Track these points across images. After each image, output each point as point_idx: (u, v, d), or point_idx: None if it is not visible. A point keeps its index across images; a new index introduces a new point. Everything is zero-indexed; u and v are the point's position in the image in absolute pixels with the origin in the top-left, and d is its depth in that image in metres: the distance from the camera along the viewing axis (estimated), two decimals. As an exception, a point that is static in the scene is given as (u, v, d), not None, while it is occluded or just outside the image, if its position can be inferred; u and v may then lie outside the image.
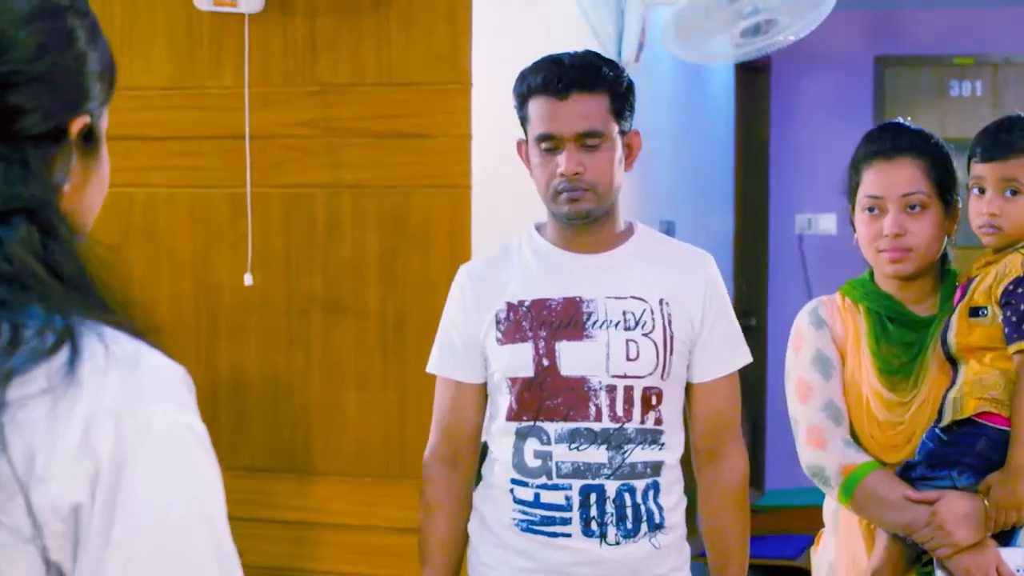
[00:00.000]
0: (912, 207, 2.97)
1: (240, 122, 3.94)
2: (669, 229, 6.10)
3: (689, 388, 3.09)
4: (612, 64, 3.04)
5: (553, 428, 2.97)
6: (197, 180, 4.03)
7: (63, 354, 1.23)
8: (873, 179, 3.01)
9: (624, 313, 2.99)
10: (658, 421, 3.00)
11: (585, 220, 2.99)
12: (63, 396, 1.22)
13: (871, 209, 3.01)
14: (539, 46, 4.26)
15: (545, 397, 2.98)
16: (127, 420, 1.23)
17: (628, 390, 2.97)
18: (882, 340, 3.03)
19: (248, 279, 3.93)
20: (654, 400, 2.99)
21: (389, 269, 3.89)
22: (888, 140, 3.04)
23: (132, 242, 4.05)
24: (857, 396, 3.03)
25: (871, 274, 3.11)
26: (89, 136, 1.38)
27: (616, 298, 3.00)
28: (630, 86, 3.04)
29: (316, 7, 3.92)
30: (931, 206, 2.98)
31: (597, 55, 3.04)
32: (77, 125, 1.36)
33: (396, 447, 3.91)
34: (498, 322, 3.03)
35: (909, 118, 3.22)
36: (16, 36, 1.30)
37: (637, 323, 2.99)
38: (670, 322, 3.01)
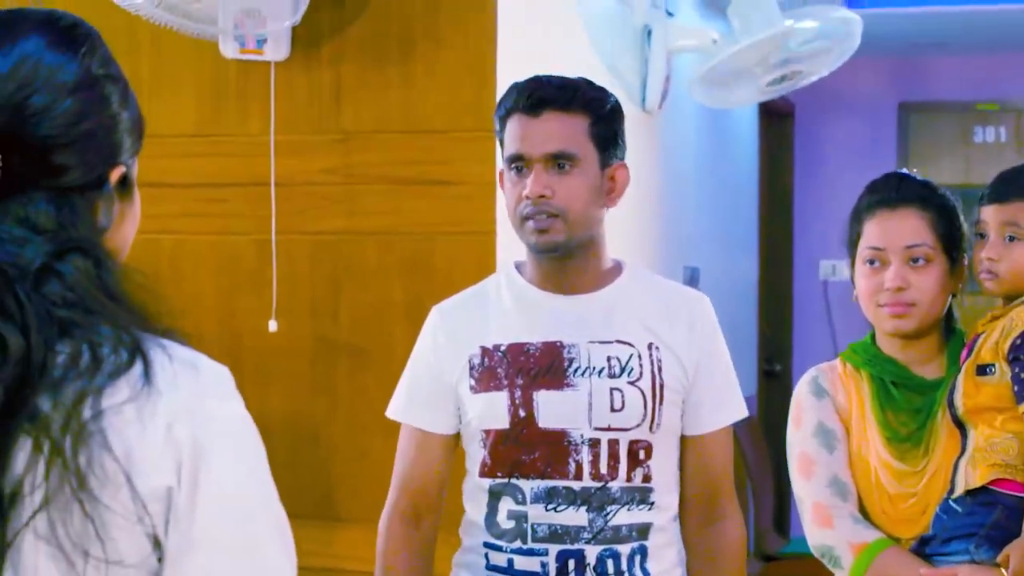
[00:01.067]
0: (915, 260, 2.82)
1: (265, 169, 3.95)
2: (693, 275, 6.10)
3: (680, 441, 2.83)
4: (597, 88, 2.81)
5: (529, 486, 2.71)
6: (223, 227, 4.05)
7: (138, 366, 1.47)
8: (875, 230, 2.86)
9: (609, 359, 2.73)
10: (647, 478, 2.73)
11: (555, 253, 2.72)
12: (146, 401, 1.47)
13: (872, 262, 2.86)
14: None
15: (521, 452, 2.72)
16: (198, 415, 1.49)
17: (613, 444, 2.71)
18: (888, 407, 2.86)
19: (273, 325, 3.94)
20: (642, 455, 2.72)
21: (414, 315, 3.89)
22: (892, 190, 2.89)
23: (158, 288, 4.05)
24: (865, 469, 2.85)
25: (872, 337, 2.95)
26: (124, 182, 1.62)
27: (600, 343, 2.74)
28: (615, 112, 2.80)
29: (342, 55, 3.94)
30: (935, 260, 2.83)
31: (587, 80, 2.82)
32: (115, 174, 1.60)
33: (420, 493, 3.90)
34: (472, 368, 2.77)
35: (915, 169, 3.08)
36: (60, 105, 1.54)
37: (623, 370, 2.72)
38: (660, 368, 2.74)
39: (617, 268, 2.85)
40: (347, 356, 3.95)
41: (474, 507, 2.81)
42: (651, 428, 2.73)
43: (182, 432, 1.48)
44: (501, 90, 3.81)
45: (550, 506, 2.69)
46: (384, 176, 3.91)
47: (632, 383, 2.72)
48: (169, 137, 4.07)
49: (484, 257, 3.82)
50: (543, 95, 2.72)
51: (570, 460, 2.70)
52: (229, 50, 3.87)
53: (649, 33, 5.05)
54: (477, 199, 3.81)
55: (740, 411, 2.88)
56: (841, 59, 4.89)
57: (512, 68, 3.87)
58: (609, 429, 2.71)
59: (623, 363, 2.73)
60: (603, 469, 2.70)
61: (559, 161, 2.70)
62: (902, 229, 2.84)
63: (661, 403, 2.73)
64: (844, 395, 2.91)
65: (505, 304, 2.82)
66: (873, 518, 2.83)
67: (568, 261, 2.76)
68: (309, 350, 3.99)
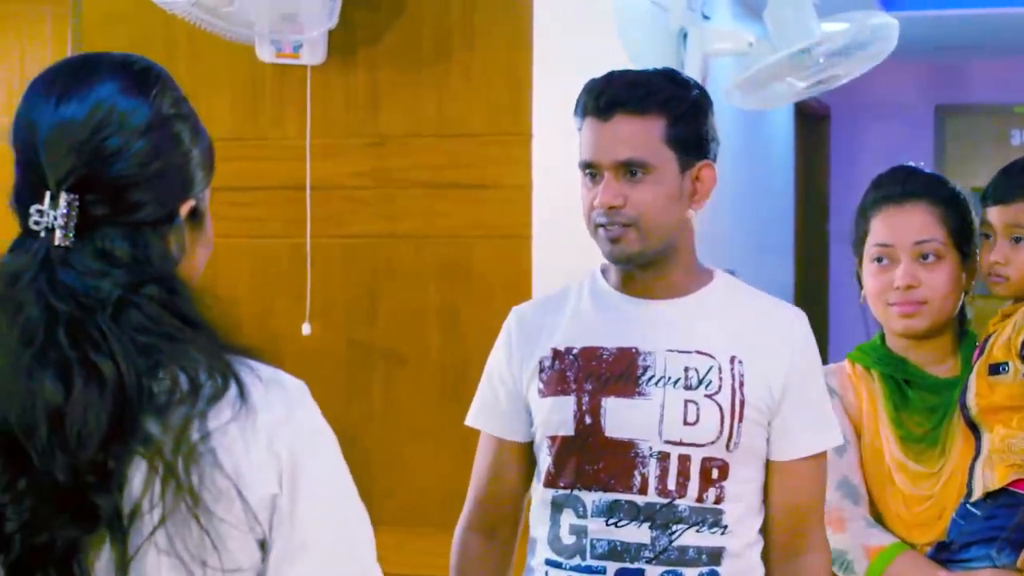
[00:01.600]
0: (925, 256, 2.72)
1: (301, 173, 3.96)
2: (729, 279, 6.07)
3: (766, 467, 2.58)
4: (679, 82, 2.57)
5: (591, 498, 2.51)
6: (258, 230, 4.06)
7: (233, 388, 1.60)
8: (882, 226, 2.76)
9: (686, 369, 2.51)
10: (719, 499, 2.49)
11: (629, 264, 2.55)
12: (246, 420, 1.60)
13: (879, 259, 2.76)
14: (599, 97, 4.28)
15: (584, 461, 2.53)
16: (291, 427, 1.64)
17: (684, 460, 2.49)
18: (901, 407, 2.75)
19: (307, 328, 3.94)
20: (716, 474, 2.49)
21: (449, 319, 3.89)
22: (898, 184, 2.79)
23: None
24: (879, 470, 2.74)
25: (882, 337, 2.85)
26: (195, 213, 1.73)
27: (679, 352, 2.52)
28: (697, 109, 2.56)
29: (377, 59, 3.94)
30: (946, 256, 2.72)
31: (667, 74, 2.60)
32: (185, 208, 1.71)
33: (456, 498, 3.89)
34: (542, 370, 2.60)
35: (923, 162, 2.95)
36: (133, 146, 1.64)
37: (700, 382, 2.51)
38: (741, 384, 2.50)
39: (707, 275, 2.64)
40: (382, 359, 3.96)
41: (538, 522, 2.62)
42: (728, 446, 2.50)
43: (280, 444, 1.62)
44: (536, 94, 3.82)
45: (611, 521, 2.49)
46: (419, 180, 3.91)
47: (709, 396, 2.50)
48: (205, 141, 4.08)
49: (519, 261, 3.81)
50: (613, 96, 2.52)
51: (635, 473, 2.50)
52: (265, 54, 3.88)
53: (685, 36, 5.03)
54: (513, 203, 3.81)
55: (833, 438, 2.60)
56: (876, 60, 4.87)
57: (547, 72, 3.87)
58: (680, 444, 2.49)
59: (701, 375, 2.52)
60: (670, 485, 2.49)
61: (631, 169, 2.50)
62: (910, 224, 2.74)
63: (740, 421, 2.50)
64: (854, 395, 2.82)
65: (583, 307, 2.64)
66: (887, 522, 2.73)
67: (648, 268, 2.57)
68: (343, 353, 3.99)
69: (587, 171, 2.56)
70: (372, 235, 3.95)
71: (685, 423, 2.49)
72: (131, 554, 1.54)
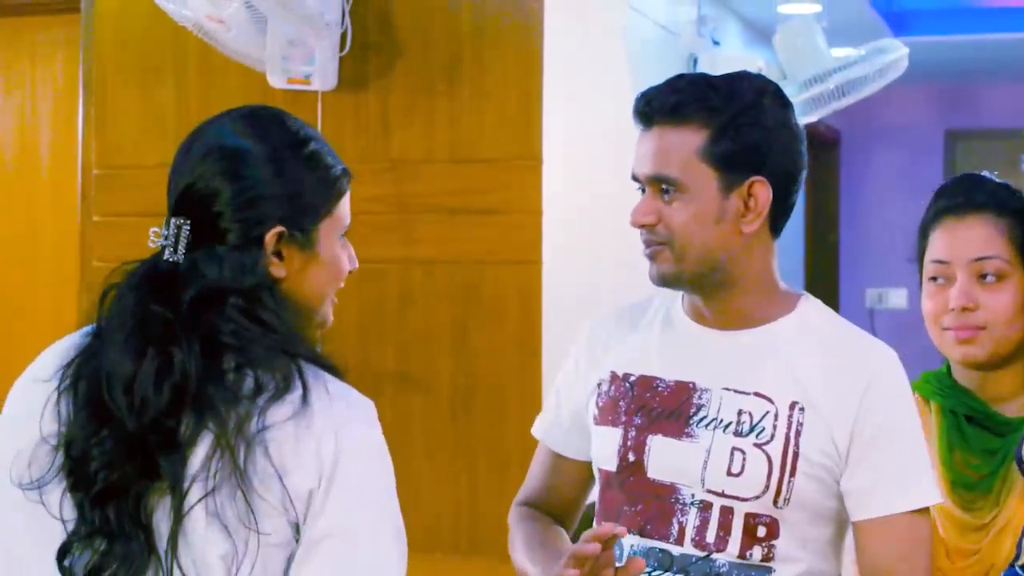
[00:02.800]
0: (985, 276, 2.39)
1: (313, 197, 3.97)
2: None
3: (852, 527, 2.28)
4: (731, 90, 2.28)
5: (628, 543, 2.31)
6: (270, 255, 4.07)
7: (298, 390, 1.87)
8: (940, 241, 2.45)
9: (739, 413, 2.26)
10: (767, 558, 2.23)
11: (669, 286, 2.32)
12: (302, 420, 1.86)
13: (935, 278, 2.45)
14: (609, 122, 4.29)
15: (625, 501, 2.32)
16: (342, 436, 1.88)
17: (726, 512, 2.24)
18: (956, 446, 2.43)
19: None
20: (762, 532, 2.23)
21: (460, 343, 3.90)
22: (961, 195, 2.46)
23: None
24: None
25: (948, 367, 2.51)
26: (294, 238, 1.98)
27: (735, 392, 2.27)
28: (751, 120, 2.26)
29: (389, 85, 3.96)
30: (1012, 276, 2.39)
31: (729, 80, 2.30)
32: (270, 235, 1.96)
33: (467, 521, 3.91)
34: (599, 394, 2.41)
35: (996, 172, 2.57)
36: (228, 188, 1.96)
37: (752, 429, 2.24)
38: (798, 434, 2.22)
39: (788, 302, 2.35)
40: (392, 383, 3.96)
41: None
42: (776, 502, 2.22)
43: (327, 449, 1.86)
44: (547, 119, 3.83)
45: (644, 570, 2.20)
46: (431, 205, 3.92)
47: (758, 446, 2.23)
48: (217, 166, 4.10)
49: (530, 286, 3.82)
50: (654, 103, 2.27)
51: (674, 521, 2.27)
52: (277, 80, 3.89)
53: (695, 61, 5.05)
54: (524, 228, 3.81)
55: (926, 496, 2.24)
56: (884, 83, 4.88)
57: (558, 98, 3.89)
58: (723, 495, 2.24)
59: (754, 420, 2.25)
60: (709, 538, 2.25)
61: (662, 185, 2.25)
62: (970, 239, 2.41)
63: (792, 475, 2.22)
64: None
65: (652, 329, 2.42)
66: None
67: (708, 294, 2.33)
68: (355, 376, 3.98)
69: (635, 183, 2.33)
70: (384, 260, 3.96)
71: (729, 473, 2.24)
72: (184, 509, 1.83)
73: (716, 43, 5.25)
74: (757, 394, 2.26)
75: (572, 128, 4.01)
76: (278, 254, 1.98)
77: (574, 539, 2.50)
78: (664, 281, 2.30)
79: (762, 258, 2.32)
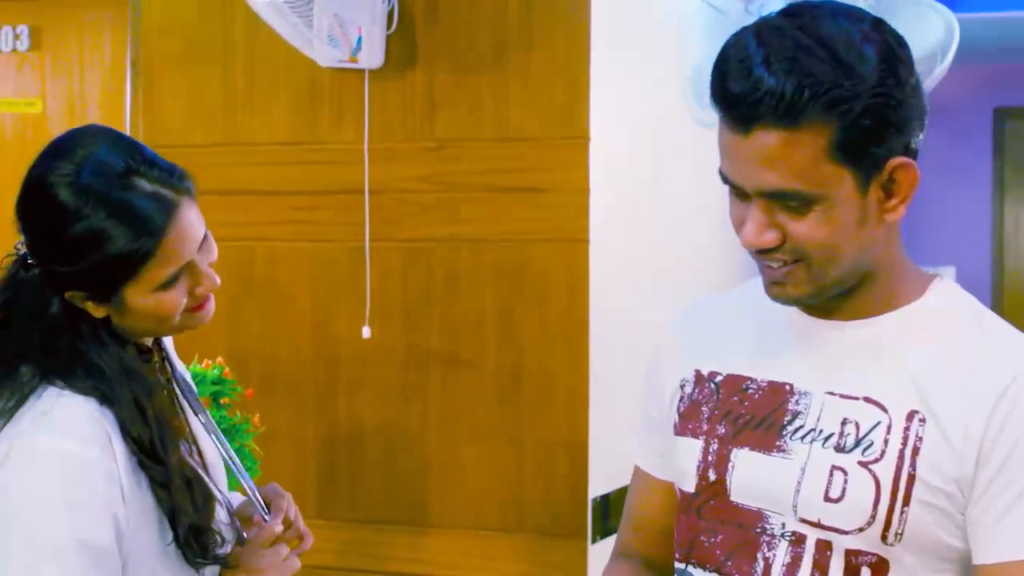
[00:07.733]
0: None
1: (359, 177, 3.97)
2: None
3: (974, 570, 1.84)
4: (852, 62, 1.75)
5: None
6: (316, 234, 4.07)
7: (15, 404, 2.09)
8: None
9: (844, 423, 1.85)
10: None
11: (798, 306, 1.93)
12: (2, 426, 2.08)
13: None
14: (658, 100, 4.27)
15: (702, 529, 1.96)
16: (18, 442, 2.05)
17: (823, 548, 1.84)
18: None
19: (366, 332, 3.95)
20: (866, 574, 1.82)
21: (506, 323, 3.90)
22: None
23: (253, 295, 4.10)
24: None
25: None
26: (97, 298, 2.14)
27: (840, 396, 1.87)
28: (884, 96, 1.76)
29: (435, 64, 3.95)
30: None
31: (842, 39, 1.76)
32: (70, 295, 2.13)
33: (512, 500, 3.91)
34: (681, 397, 2.04)
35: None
36: (65, 233, 2.15)
37: (857, 443, 1.83)
38: (915, 451, 1.80)
39: (918, 286, 1.93)
40: (439, 363, 3.96)
41: None
42: (884, 537, 1.81)
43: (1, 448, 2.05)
44: (594, 97, 3.82)
45: None
46: (477, 184, 3.91)
47: (864, 464, 1.82)
48: (263, 145, 4.10)
49: (577, 265, 3.81)
50: (754, 104, 1.75)
51: (759, 556, 1.89)
52: (323, 58, 3.89)
53: (743, 39, 5.02)
54: (571, 207, 3.80)
55: None
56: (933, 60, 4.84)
57: (605, 76, 3.87)
58: (819, 526, 1.85)
59: (860, 433, 1.84)
60: None
61: (784, 201, 1.80)
62: None
63: (906, 503, 1.80)
64: None
65: (748, 319, 2.02)
66: None
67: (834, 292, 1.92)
68: (402, 357, 4.00)
69: (727, 184, 1.89)
70: (430, 239, 3.96)
71: (827, 498, 1.84)
72: None
73: (764, 21, 5.21)
74: (867, 399, 1.86)
75: (619, 106, 4.00)
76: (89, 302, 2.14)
77: None
78: (797, 303, 1.91)
79: (893, 243, 1.92)
